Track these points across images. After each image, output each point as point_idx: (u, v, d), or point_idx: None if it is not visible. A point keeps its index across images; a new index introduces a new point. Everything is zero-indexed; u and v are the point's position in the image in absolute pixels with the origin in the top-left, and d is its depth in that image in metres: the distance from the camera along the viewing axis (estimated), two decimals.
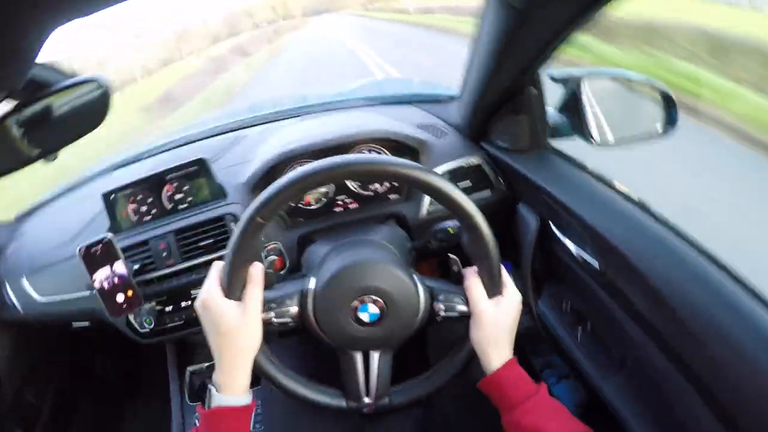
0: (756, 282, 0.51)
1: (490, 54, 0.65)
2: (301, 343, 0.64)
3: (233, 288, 0.53)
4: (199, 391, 1.02)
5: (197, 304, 0.54)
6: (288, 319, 0.57)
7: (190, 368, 1.04)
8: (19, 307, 0.97)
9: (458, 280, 0.61)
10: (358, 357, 0.60)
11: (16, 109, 0.51)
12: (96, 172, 1.19)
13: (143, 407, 1.30)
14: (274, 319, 0.56)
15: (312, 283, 0.58)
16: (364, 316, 0.57)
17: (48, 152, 0.57)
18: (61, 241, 0.97)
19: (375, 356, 0.60)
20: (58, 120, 0.55)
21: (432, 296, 0.59)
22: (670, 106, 0.83)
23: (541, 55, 0.64)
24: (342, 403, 0.61)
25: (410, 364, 0.73)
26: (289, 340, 0.62)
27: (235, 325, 0.51)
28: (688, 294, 0.51)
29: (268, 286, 0.57)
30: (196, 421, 0.87)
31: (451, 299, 0.58)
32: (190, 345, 1.05)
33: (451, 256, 0.63)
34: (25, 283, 0.95)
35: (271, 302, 0.56)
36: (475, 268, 0.58)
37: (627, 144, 0.88)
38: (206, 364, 1.05)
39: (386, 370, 0.61)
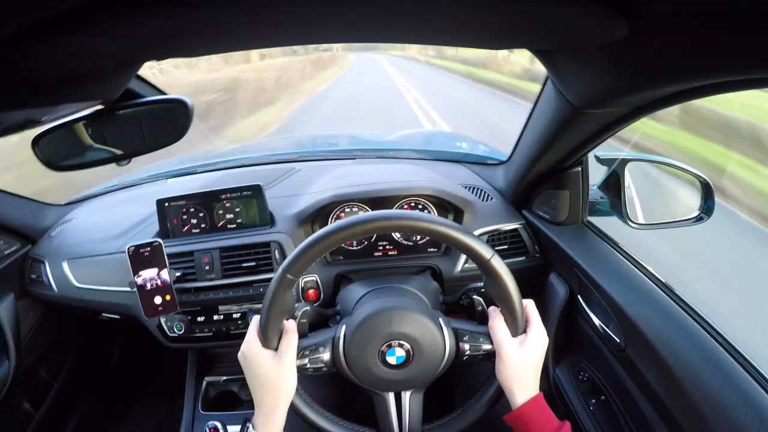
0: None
1: (543, 135, 0.70)
2: (336, 383, 0.67)
3: (270, 339, 0.58)
4: (213, 402, 1.05)
5: (239, 354, 0.59)
6: (321, 365, 0.61)
7: (207, 378, 1.06)
8: (54, 287, 1.02)
9: (483, 320, 0.63)
10: (390, 397, 0.63)
11: (102, 112, 0.55)
12: (150, 176, 1.27)
13: (152, 406, 1.32)
14: (309, 365, 0.60)
15: (342, 331, 0.62)
16: (392, 360, 0.60)
17: (123, 157, 0.61)
18: (107, 235, 1.03)
19: (406, 396, 0.63)
20: (139, 129, 0.60)
21: (457, 337, 0.62)
22: (708, 194, 0.85)
23: (591, 144, 0.68)
24: None
25: (441, 401, 0.74)
26: (324, 380, 0.65)
27: (273, 373, 0.56)
28: (701, 378, 0.54)
29: (302, 335, 0.62)
30: (207, 429, 0.89)
31: (476, 339, 0.61)
32: (211, 356, 1.08)
33: (475, 297, 0.66)
34: (65, 267, 1.01)
35: (305, 349, 0.61)
36: (497, 308, 0.60)
37: (662, 228, 0.90)
38: (223, 377, 1.07)
39: (417, 409, 0.63)
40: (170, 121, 0.60)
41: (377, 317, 0.61)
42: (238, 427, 0.92)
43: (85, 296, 1.00)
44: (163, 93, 0.62)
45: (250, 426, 0.57)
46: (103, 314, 1.10)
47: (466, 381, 0.88)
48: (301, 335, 0.61)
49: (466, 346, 0.61)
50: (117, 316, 1.08)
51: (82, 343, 1.34)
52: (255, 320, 0.60)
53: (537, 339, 0.58)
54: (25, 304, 1.11)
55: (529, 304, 0.59)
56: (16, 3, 0.19)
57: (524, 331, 0.59)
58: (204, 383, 1.07)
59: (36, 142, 0.56)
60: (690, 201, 0.87)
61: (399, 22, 0.32)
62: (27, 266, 1.09)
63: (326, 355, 0.61)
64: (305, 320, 0.64)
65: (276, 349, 0.58)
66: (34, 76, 0.26)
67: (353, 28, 0.32)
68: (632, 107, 0.52)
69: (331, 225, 0.55)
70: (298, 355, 0.59)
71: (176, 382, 1.10)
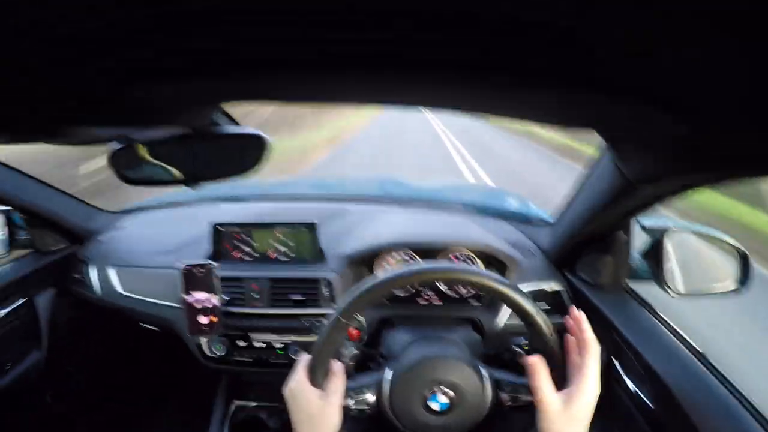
0: None
1: (594, 203, 0.73)
2: (376, 426, 0.69)
3: (318, 378, 0.60)
4: (240, 427, 1.06)
5: (286, 390, 0.61)
6: (365, 407, 0.63)
7: (237, 402, 1.09)
8: (97, 290, 1.07)
9: (524, 372, 0.64)
10: None
11: (182, 137, 0.57)
12: (204, 196, 1.33)
13: (174, 421, 1.34)
14: (353, 406, 0.63)
15: (389, 375, 0.64)
16: (435, 406, 0.62)
17: (194, 180, 0.63)
18: (157, 250, 1.09)
19: None
20: (215, 158, 0.63)
21: (498, 387, 0.63)
22: (745, 265, 0.87)
23: (638, 213, 0.71)
24: None
25: None
26: (364, 423, 0.67)
27: (319, 411, 0.58)
28: None
29: (348, 376, 0.64)
30: None
31: (517, 390, 0.63)
32: (245, 381, 1.10)
33: (517, 349, 0.67)
34: (111, 272, 1.06)
35: (350, 390, 0.63)
36: (538, 358, 0.59)
37: (700, 297, 0.92)
38: (253, 403, 1.10)
39: None
40: (246, 153, 0.62)
41: (424, 363, 0.64)
42: None
43: (127, 304, 1.04)
44: (238, 124, 0.67)
45: None
46: (143, 324, 1.15)
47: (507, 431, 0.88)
48: (347, 376, 0.64)
49: (507, 396, 0.63)
50: (156, 328, 1.12)
51: (114, 349, 1.38)
52: (304, 358, 0.63)
53: (585, 392, 0.55)
54: (63, 301, 1.16)
55: (589, 346, 0.56)
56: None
57: (571, 383, 0.57)
58: (233, 406, 1.09)
59: (113, 156, 0.59)
60: (728, 272, 0.89)
61: (462, 91, 0.32)
62: (72, 265, 1.14)
63: (371, 398, 0.63)
64: (352, 362, 0.68)
65: (323, 389, 0.60)
66: (138, 104, 0.29)
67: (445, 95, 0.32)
68: (685, 185, 0.55)
69: (389, 273, 0.59)
70: (344, 396, 0.61)
71: (202, 402, 1.12)
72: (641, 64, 0.24)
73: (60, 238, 1.17)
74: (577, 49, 0.22)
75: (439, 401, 0.62)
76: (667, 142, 0.41)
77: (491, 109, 0.39)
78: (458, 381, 0.62)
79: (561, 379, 0.58)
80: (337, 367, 0.62)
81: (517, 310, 0.59)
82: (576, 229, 0.85)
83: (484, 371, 0.64)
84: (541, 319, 0.58)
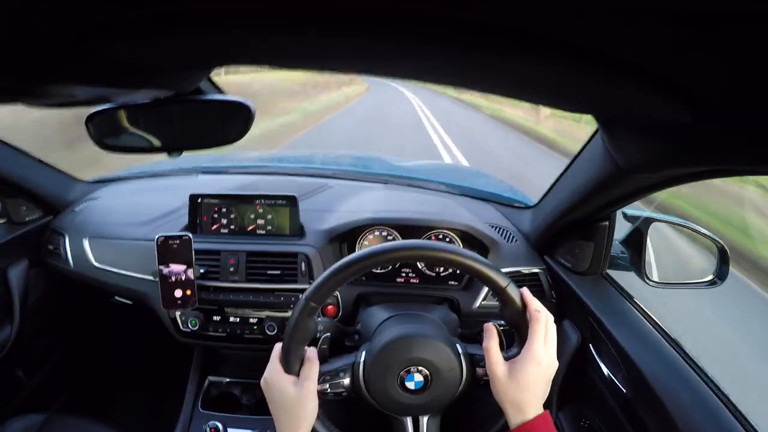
0: None
1: (581, 189, 0.73)
2: (354, 407, 0.68)
3: (292, 365, 0.60)
4: (213, 401, 1.05)
5: (262, 381, 0.61)
6: (342, 390, 0.63)
7: (211, 377, 1.07)
8: (71, 261, 1.04)
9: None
10: (408, 422, 0.65)
11: (164, 102, 0.54)
12: (181, 168, 1.29)
13: (148, 396, 1.32)
14: (329, 390, 0.62)
15: (362, 356, 0.64)
16: (411, 385, 0.62)
17: (175, 148, 0.62)
18: (133, 220, 1.05)
19: (424, 420, 0.65)
20: (199, 125, 0.60)
21: (473, 363, 0.64)
22: (723, 260, 0.88)
23: (625, 202, 0.71)
24: None
25: (459, 426, 0.75)
26: (342, 404, 0.67)
27: (294, 399, 0.58)
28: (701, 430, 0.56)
29: (322, 360, 0.64)
30: (207, 429, 0.89)
31: None
32: (219, 356, 1.09)
33: (487, 325, 0.67)
34: (85, 244, 1.03)
35: (326, 375, 0.63)
36: (493, 328, 0.60)
37: (676, 288, 0.93)
38: (227, 379, 1.08)
39: None
40: (231, 122, 0.60)
41: (397, 343, 0.63)
42: (239, 431, 0.93)
43: (101, 276, 1.01)
44: (223, 92, 0.64)
45: None
46: (116, 297, 1.11)
47: (484, 405, 0.89)
48: (322, 361, 0.63)
49: (482, 371, 0.63)
50: (129, 302, 1.09)
51: (87, 322, 1.35)
52: (277, 348, 0.62)
53: (530, 358, 0.55)
54: (37, 273, 1.12)
55: (536, 317, 0.57)
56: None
57: (518, 351, 0.58)
58: (207, 381, 1.07)
59: (90, 119, 0.56)
60: (706, 265, 0.90)
61: (465, 68, 0.31)
62: (46, 236, 1.10)
63: (346, 381, 0.63)
64: (326, 346, 0.67)
65: (298, 376, 0.60)
66: (120, 60, 0.27)
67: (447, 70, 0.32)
68: (678, 176, 0.55)
69: (355, 254, 0.58)
70: (318, 380, 0.61)
71: (176, 377, 1.10)
72: (646, 44, 0.23)
73: (34, 208, 1.13)
74: (578, 21, 0.21)
75: (414, 380, 0.62)
76: (665, 130, 0.41)
77: (487, 86, 0.38)
78: (433, 358, 0.62)
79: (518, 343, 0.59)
80: (311, 353, 0.62)
81: (488, 282, 0.58)
82: (559, 214, 0.84)
83: (459, 347, 0.64)
84: (513, 291, 0.58)
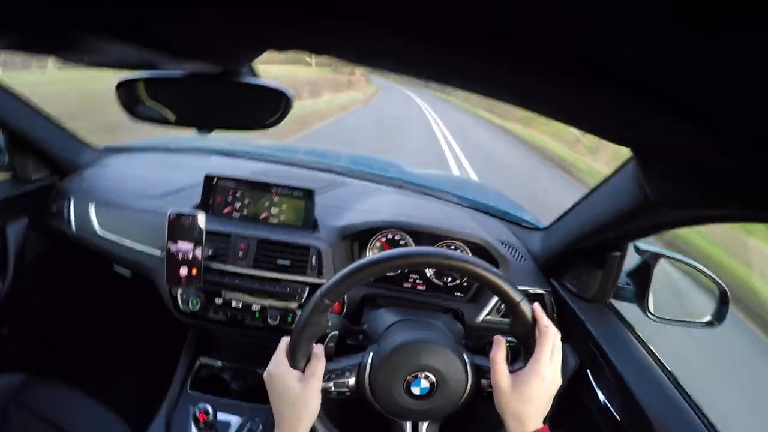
0: None
1: (602, 217, 0.73)
2: (353, 407, 0.69)
3: (298, 361, 0.60)
4: (202, 384, 1.04)
5: (265, 373, 0.60)
6: (345, 389, 0.63)
7: (202, 359, 1.06)
8: (73, 226, 1.02)
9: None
10: (408, 427, 0.65)
11: (203, 79, 0.54)
12: (196, 147, 1.28)
13: (136, 371, 1.31)
14: (333, 389, 0.62)
15: (370, 358, 0.64)
16: (416, 390, 0.62)
17: (207, 126, 0.61)
18: (143, 192, 1.04)
19: (423, 426, 0.65)
20: (233, 107, 0.59)
21: (479, 373, 0.64)
22: (723, 302, 0.90)
23: (646, 235, 0.72)
24: None
25: None
26: (342, 403, 0.67)
27: (298, 395, 0.58)
28: None
29: (328, 358, 0.64)
30: (196, 410, 0.88)
31: None
32: (213, 339, 1.08)
33: (497, 337, 0.68)
34: (91, 209, 1.02)
35: (331, 373, 0.63)
36: (502, 340, 0.60)
37: (676, 325, 0.94)
38: (219, 363, 1.07)
39: None
40: (267, 108, 0.59)
41: (407, 348, 0.63)
42: (225, 415, 0.93)
43: (103, 244, 1.00)
44: (260, 77, 0.64)
45: None
46: (116, 267, 1.10)
47: (485, 417, 0.89)
48: (328, 358, 0.63)
49: (487, 383, 0.63)
50: (128, 273, 1.08)
51: (84, 288, 1.33)
52: (284, 342, 0.62)
53: (534, 372, 0.56)
54: (37, 233, 1.11)
55: (544, 333, 0.57)
56: None
57: (524, 365, 0.59)
58: (198, 362, 1.07)
59: (122, 85, 0.55)
60: (706, 305, 0.92)
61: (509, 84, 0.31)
62: (51, 197, 1.09)
63: (351, 381, 0.63)
64: (332, 344, 0.67)
65: (303, 371, 0.60)
66: (180, 29, 0.27)
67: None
68: (706, 216, 0.55)
69: (375, 255, 0.58)
70: (323, 378, 0.61)
71: (167, 355, 1.09)
72: (693, 79, 0.22)
73: (42, 167, 1.11)
74: (622, 50, 0.21)
75: (420, 385, 0.62)
76: (707, 169, 0.40)
77: (524, 102, 0.37)
78: (441, 366, 0.62)
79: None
80: (318, 350, 0.62)
81: (502, 295, 0.59)
82: (574, 240, 0.85)
83: (466, 357, 0.64)
84: (526, 307, 0.59)
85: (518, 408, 0.56)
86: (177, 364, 1.05)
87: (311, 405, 0.58)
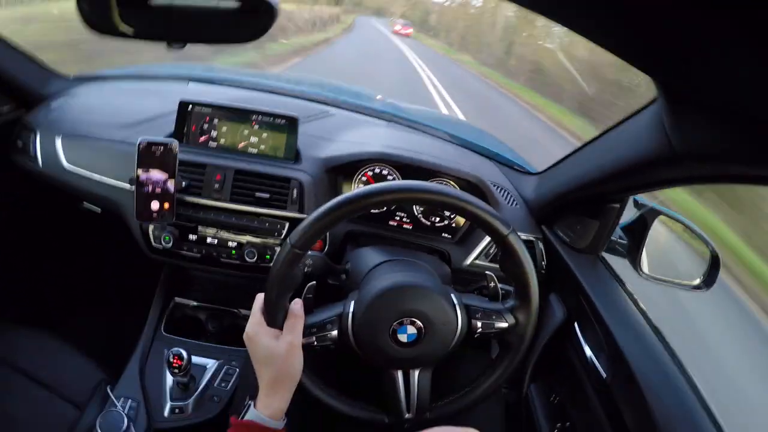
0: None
1: (611, 164, 0.67)
2: (342, 358, 0.66)
3: (275, 318, 0.56)
4: (177, 325, 1.00)
5: (244, 335, 0.57)
6: (329, 343, 0.59)
7: (177, 299, 1.02)
8: (40, 161, 0.94)
9: (495, 296, 0.64)
10: (399, 375, 0.62)
11: None
12: (171, 74, 1.17)
13: (109, 313, 1.26)
14: (316, 343, 0.59)
15: (351, 307, 0.60)
16: (403, 337, 0.59)
17: (177, 38, 0.53)
18: (113, 122, 0.96)
19: (415, 374, 0.62)
20: (207, 17, 0.53)
21: (469, 314, 0.61)
22: (714, 267, 0.88)
23: (657, 188, 0.67)
24: (384, 418, 0.64)
25: (450, 379, 0.74)
26: (329, 356, 0.64)
27: (277, 355, 0.54)
28: (675, 424, 0.56)
29: (308, 311, 0.60)
30: (170, 354, 0.84)
31: (489, 317, 0.61)
32: (188, 277, 1.03)
33: (488, 273, 0.66)
34: (58, 143, 0.93)
35: (312, 327, 0.59)
36: None
37: (664, 285, 0.93)
38: (194, 303, 1.03)
39: (426, 387, 0.63)
40: (247, 18, 0.52)
41: (389, 293, 0.59)
42: (200, 359, 0.90)
43: (71, 179, 0.92)
44: None
45: (251, 405, 0.55)
46: (84, 204, 1.03)
47: (477, 357, 0.88)
48: (307, 312, 0.59)
49: (479, 324, 0.61)
50: (98, 210, 1.01)
51: (53, 228, 1.26)
52: (259, 299, 0.58)
53: None
54: (3, 171, 1.02)
55: None
56: None
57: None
58: (172, 303, 1.02)
59: None
60: (697, 267, 0.90)
61: None
62: (16, 132, 1.00)
63: (334, 333, 0.59)
64: (311, 296, 0.62)
65: (281, 329, 0.56)
66: None
67: None
68: (732, 174, 0.49)
69: (348, 194, 0.53)
70: (304, 333, 0.57)
71: (140, 295, 1.05)
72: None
73: (5, 98, 1.00)
74: None
75: (407, 332, 0.58)
76: (749, 121, 0.36)
77: (561, 18, 0.35)
78: (427, 310, 0.58)
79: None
80: (295, 306, 0.58)
81: (488, 227, 0.56)
82: (572, 187, 0.80)
83: (454, 298, 0.61)
84: (515, 240, 0.56)
85: None
86: (150, 304, 1.00)
87: (293, 364, 0.55)
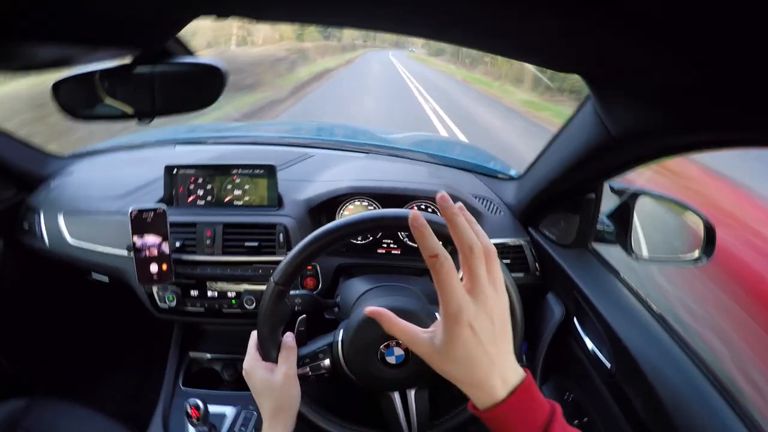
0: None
1: (569, 159, 0.70)
2: (341, 386, 0.67)
3: (268, 352, 0.59)
4: (194, 378, 1.03)
5: (243, 371, 0.60)
6: (323, 371, 0.62)
7: (192, 354, 1.05)
8: (46, 240, 1.00)
9: None
10: (396, 397, 0.64)
11: (132, 66, 0.52)
12: (158, 140, 1.24)
13: (129, 375, 1.30)
14: (311, 373, 0.61)
15: (340, 335, 0.62)
16: (391, 359, 0.60)
17: (147, 115, 0.58)
18: (108, 194, 1.01)
19: (411, 394, 0.64)
20: (169, 90, 0.57)
21: None
22: (710, 237, 0.87)
23: (616, 174, 0.68)
24: None
25: (451, 396, 0.75)
26: (328, 384, 0.66)
27: (274, 387, 0.57)
28: (689, 412, 0.55)
29: (300, 343, 0.62)
30: (187, 406, 0.87)
31: None
32: (198, 332, 1.06)
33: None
34: (60, 221, 0.99)
35: (305, 357, 0.62)
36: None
37: (661, 264, 0.92)
38: (208, 355, 1.06)
39: (424, 406, 0.64)
40: (202, 86, 0.57)
41: (372, 319, 0.61)
42: (219, 408, 0.92)
43: (76, 254, 0.97)
44: (194, 55, 0.60)
45: None
46: (93, 275, 1.08)
47: None
48: (300, 344, 0.62)
49: None
50: (106, 279, 1.06)
51: (65, 302, 1.31)
52: (254, 336, 0.61)
53: (450, 318, 0.37)
54: (13, 253, 1.08)
55: (441, 260, 0.38)
56: None
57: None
58: (187, 358, 1.05)
59: (57, 87, 0.54)
60: (693, 241, 0.89)
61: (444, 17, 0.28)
62: (21, 215, 1.06)
63: (326, 362, 0.62)
64: (303, 328, 0.65)
65: (275, 361, 0.59)
66: (82, 8, 0.25)
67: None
68: (669, 146, 0.52)
69: (321, 229, 0.55)
70: (298, 364, 0.60)
71: (156, 354, 1.08)
72: None
73: (8, 184, 1.07)
74: None
75: (395, 354, 0.60)
76: (665, 94, 0.38)
77: (477, 44, 0.36)
78: None
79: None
80: (288, 339, 0.61)
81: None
82: (545, 185, 0.82)
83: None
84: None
85: (461, 373, 0.39)
86: (167, 362, 1.04)
87: (290, 394, 0.58)
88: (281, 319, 0.59)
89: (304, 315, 0.67)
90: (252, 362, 0.59)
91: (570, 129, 0.70)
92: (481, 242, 0.39)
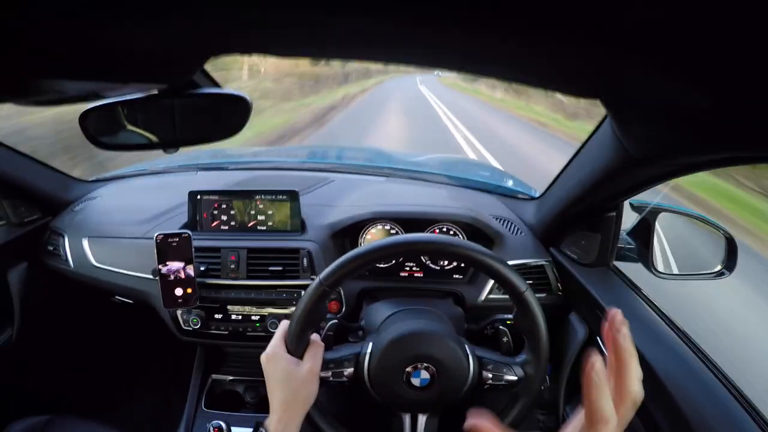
0: None
1: (588, 178, 0.71)
2: (351, 397, 0.68)
3: (297, 347, 0.58)
4: (217, 400, 1.04)
5: (263, 356, 0.59)
6: (344, 379, 0.62)
7: (214, 376, 1.06)
8: (71, 262, 1.02)
9: (507, 351, 0.65)
10: (407, 419, 0.64)
11: (159, 97, 0.53)
12: (181, 165, 1.28)
13: (151, 396, 1.31)
14: (332, 378, 0.61)
15: (369, 348, 0.63)
16: (416, 381, 0.61)
17: (171, 144, 0.60)
18: (132, 219, 1.04)
19: (422, 419, 0.64)
20: (194, 120, 0.59)
21: (481, 365, 0.62)
22: (731, 250, 0.86)
23: (635, 192, 0.69)
24: None
25: (457, 428, 0.74)
26: (339, 392, 0.66)
27: (295, 381, 0.56)
28: (711, 423, 0.55)
29: (327, 347, 0.63)
30: (210, 428, 0.88)
31: (500, 369, 0.62)
32: (222, 354, 1.07)
33: (501, 327, 0.68)
34: (85, 244, 1.01)
35: (330, 362, 0.62)
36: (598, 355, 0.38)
37: (685, 279, 0.91)
38: (230, 377, 1.07)
39: None
40: (227, 116, 0.59)
41: (406, 338, 0.62)
42: (241, 430, 0.92)
43: (101, 276, 1.00)
44: (219, 86, 0.63)
45: (263, 430, 0.56)
46: (117, 297, 1.10)
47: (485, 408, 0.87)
48: (327, 347, 0.62)
49: (489, 375, 0.62)
50: (130, 302, 1.08)
51: (89, 323, 1.34)
52: (283, 326, 0.61)
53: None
54: (37, 274, 1.11)
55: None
56: None
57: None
58: (210, 380, 1.06)
59: (84, 117, 0.56)
60: (713, 255, 0.89)
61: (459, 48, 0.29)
62: (45, 237, 1.09)
63: (350, 371, 0.62)
64: (331, 332, 0.65)
65: (301, 358, 0.58)
66: (110, 49, 0.26)
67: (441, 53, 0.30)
68: (689, 164, 0.53)
69: (375, 243, 0.57)
70: (321, 367, 0.60)
71: (179, 376, 1.09)
72: (661, 21, 0.21)
73: (33, 208, 1.11)
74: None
75: (421, 376, 0.61)
76: (681, 115, 0.38)
77: (494, 72, 0.36)
78: (441, 356, 0.61)
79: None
80: (316, 338, 0.61)
81: (505, 284, 0.57)
82: (565, 205, 0.82)
83: (468, 348, 0.63)
84: (531, 296, 0.57)
85: None
86: (189, 383, 1.05)
87: (308, 388, 0.57)
88: (316, 320, 0.59)
89: (334, 320, 0.67)
90: (276, 349, 0.58)
91: (589, 148, 0.71)
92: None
